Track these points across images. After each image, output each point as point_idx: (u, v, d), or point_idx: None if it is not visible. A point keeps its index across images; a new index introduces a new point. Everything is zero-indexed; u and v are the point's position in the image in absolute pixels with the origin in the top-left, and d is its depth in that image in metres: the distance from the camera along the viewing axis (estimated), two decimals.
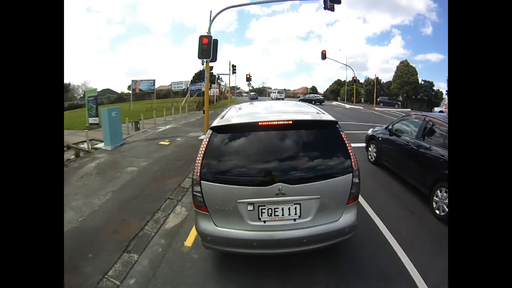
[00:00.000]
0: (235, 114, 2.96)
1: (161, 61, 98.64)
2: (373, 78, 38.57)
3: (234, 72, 26.22)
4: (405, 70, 38.92)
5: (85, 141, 8.56)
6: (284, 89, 50.05)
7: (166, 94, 37.18)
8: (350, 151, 2.53)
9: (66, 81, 42.38)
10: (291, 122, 2.50)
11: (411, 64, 39.90)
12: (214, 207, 2.47)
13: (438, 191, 3.93)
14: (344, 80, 44.04)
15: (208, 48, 7.80)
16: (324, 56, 25.36)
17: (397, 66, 40.93)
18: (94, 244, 3.28)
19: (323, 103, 30.85)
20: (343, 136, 2.58)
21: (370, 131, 6.78)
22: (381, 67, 76.02)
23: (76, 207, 4.26)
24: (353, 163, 2.51)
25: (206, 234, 2.52)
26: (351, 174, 2.51)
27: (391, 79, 41.37)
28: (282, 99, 33.93)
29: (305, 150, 2.52)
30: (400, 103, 35.39)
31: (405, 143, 5.08)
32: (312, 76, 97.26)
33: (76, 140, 9.31)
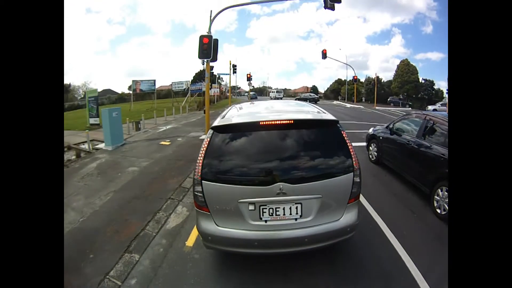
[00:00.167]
0: (236, 114, 2.96)
1: (162, 61, 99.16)
2: (373, 77, 38.51)
3: (234, 72, 26.15)
4: (406, 69, 38.91)
5: (85, 142, 8.56)
6: (283, 89, 51.54)
7: (166, 94, 37.20)
8: (351, 150, 2.53)
9: (66, 81, 42.58)
10: (292, 121, 2.49)
11: (411, 63, 40.10)
12: (215, 207, 2.47)
13: (439, 190, 3.92)
14: (345, 79, 44.08)
15: (208, 48, 7.80)
16: (324, 55, 25.37)
17: (397, 65, 41.12)
18: (95, 244, 3.29)
19: (317, 102, 31.66)
20: (344, 135, 2.57)
21: (371, 130, 6.77)
22: (381, 66, 76.31)
23: (77, 207, 4.27)
24: (354, 162, 2.51)
25: (207, 234, 2.52)
26: (352, 173, 2.50)
27: (392, 78, 41.39)
28: (281, 98, 35.78)
29: (306, 149, 2.52)
30: (410, 104, 34.69)
31: (406, 142, 5.07)
32: (313, 75, 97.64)
33: (77, 141, 9.31)
